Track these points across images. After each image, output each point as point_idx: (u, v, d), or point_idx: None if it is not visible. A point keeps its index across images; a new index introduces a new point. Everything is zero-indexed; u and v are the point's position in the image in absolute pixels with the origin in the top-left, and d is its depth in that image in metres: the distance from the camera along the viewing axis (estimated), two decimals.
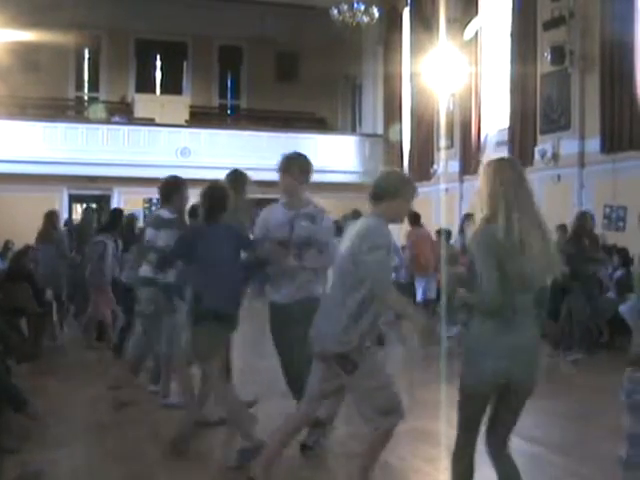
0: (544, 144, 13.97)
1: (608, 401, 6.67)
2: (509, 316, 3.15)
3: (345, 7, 16.80)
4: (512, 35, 14.98)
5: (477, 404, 3.25)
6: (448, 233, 11.64)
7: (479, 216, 3.24)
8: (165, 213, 5.78)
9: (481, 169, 3.36)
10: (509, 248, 3.10)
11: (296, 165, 4.89)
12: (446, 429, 5.32)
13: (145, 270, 5.81)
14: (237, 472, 4.49)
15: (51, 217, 10.29)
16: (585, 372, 8.28)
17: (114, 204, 18.59)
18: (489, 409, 3.30)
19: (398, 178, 4.02)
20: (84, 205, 18.18)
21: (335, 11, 16.84)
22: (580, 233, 9.33)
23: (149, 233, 5.84)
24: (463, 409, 3.29)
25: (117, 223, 9.50)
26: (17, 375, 5.96)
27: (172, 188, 5.87)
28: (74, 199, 19.80)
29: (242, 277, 5.00)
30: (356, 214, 8.50)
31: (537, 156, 14.10)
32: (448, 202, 15.90)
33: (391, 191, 3.85)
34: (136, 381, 6.59)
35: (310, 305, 4.38)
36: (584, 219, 9.46)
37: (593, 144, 12.87)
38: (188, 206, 6.16)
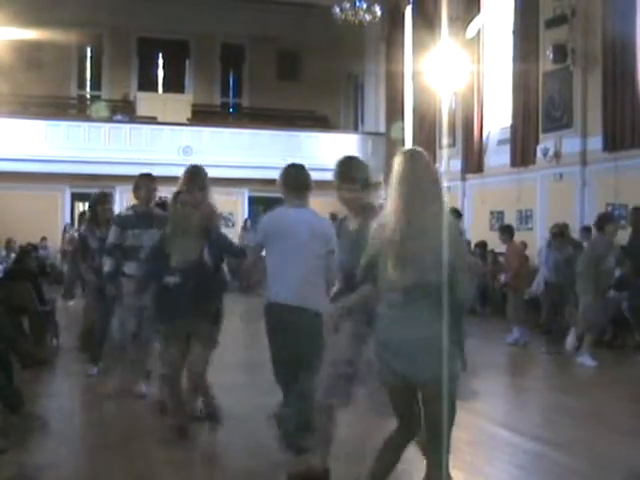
0: (546, 142, 13.94)
1: (612, 399, 6.68)
2: None
3: (347, 5, 16.76)
4: (514, 33, 14.96)
5: None
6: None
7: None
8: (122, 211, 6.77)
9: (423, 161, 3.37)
10: None
11: None
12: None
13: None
14: (240, 469, 4.50)
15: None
16: (588, 370, 8.26)
17: (116, 202, 18.57)
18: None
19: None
20: (86, 204, 18.13)
21: (337, 9, 16.81)
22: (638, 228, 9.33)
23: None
24: None
25: None
26: (18, 375, 5.94)
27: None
28: (76, 197, 19.79)
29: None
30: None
31: (539, 154, 14.08)
32: (450, 201, 15.86)
33: None
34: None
35: None
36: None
37: (595, 142, 12.86)
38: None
